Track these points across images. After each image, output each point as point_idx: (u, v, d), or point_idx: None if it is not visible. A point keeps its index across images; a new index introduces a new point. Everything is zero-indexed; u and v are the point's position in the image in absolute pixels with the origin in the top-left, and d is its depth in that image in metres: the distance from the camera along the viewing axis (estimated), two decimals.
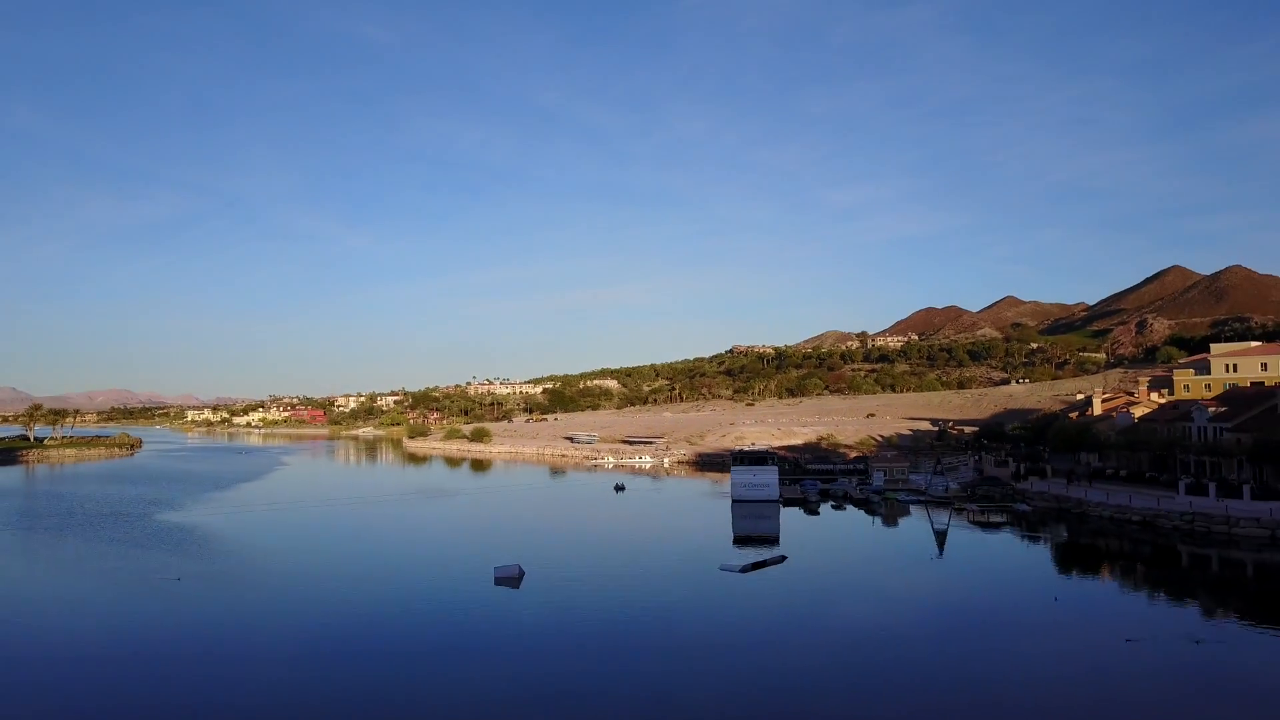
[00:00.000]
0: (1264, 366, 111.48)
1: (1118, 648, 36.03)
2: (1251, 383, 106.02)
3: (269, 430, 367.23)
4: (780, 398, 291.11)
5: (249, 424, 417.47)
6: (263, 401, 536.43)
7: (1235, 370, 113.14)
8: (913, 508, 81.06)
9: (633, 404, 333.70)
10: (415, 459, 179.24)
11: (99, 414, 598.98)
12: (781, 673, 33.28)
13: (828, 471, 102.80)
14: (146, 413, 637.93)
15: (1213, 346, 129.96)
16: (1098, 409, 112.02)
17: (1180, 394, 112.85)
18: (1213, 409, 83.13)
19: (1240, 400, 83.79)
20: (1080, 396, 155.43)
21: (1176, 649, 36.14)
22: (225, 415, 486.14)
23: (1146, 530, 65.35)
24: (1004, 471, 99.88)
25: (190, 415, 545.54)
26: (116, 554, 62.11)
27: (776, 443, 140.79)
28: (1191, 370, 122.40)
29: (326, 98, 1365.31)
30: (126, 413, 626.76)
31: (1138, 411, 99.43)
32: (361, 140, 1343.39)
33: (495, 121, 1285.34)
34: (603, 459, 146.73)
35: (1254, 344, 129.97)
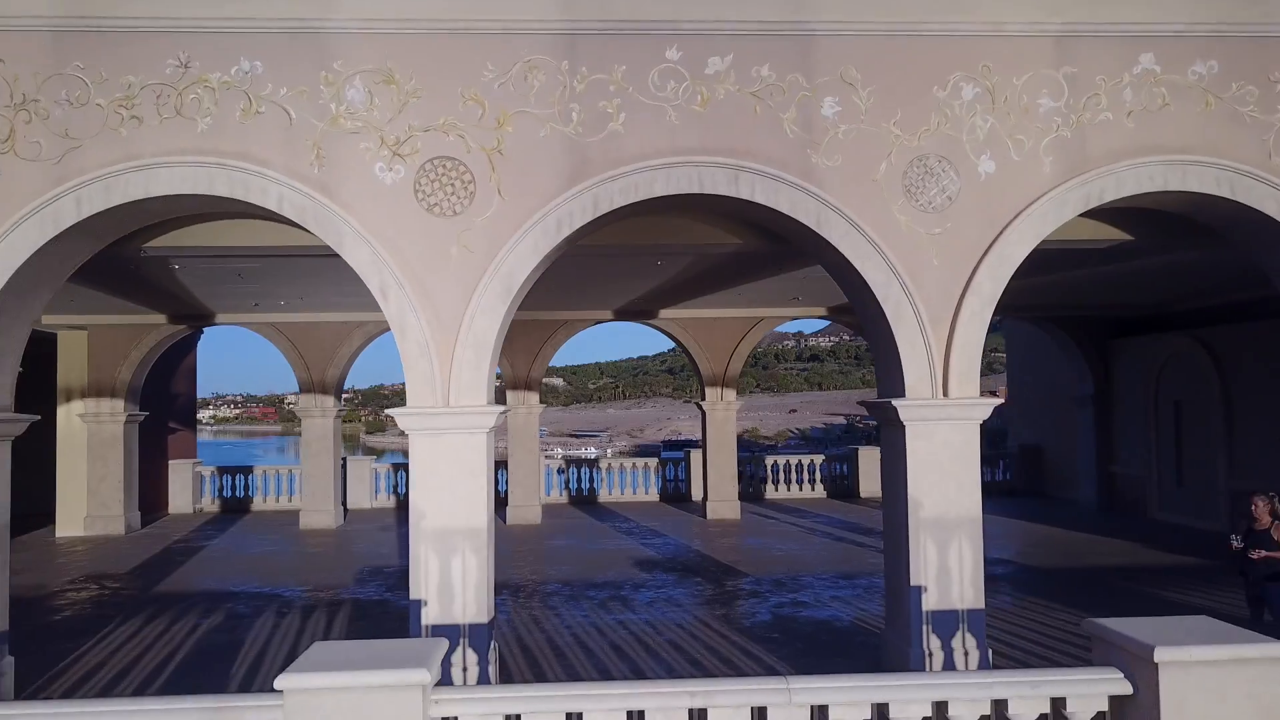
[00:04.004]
0: None
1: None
2: None
3: (220, 427, 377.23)
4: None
5: (200, 421, 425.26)
6: (208, 399, 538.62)
7: None
8: None
9: (579, 401, 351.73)
10: (374, 451, 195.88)
11: None
12: None
13: None
14: None
15: None
16: None
17: None
18: None
19: None
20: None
21: None
22: None
23: None
24: None
25: None
26: None
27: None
28: None
29: None
30: None
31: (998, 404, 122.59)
32: None
33: None
34: (552, 450, 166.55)
35: None
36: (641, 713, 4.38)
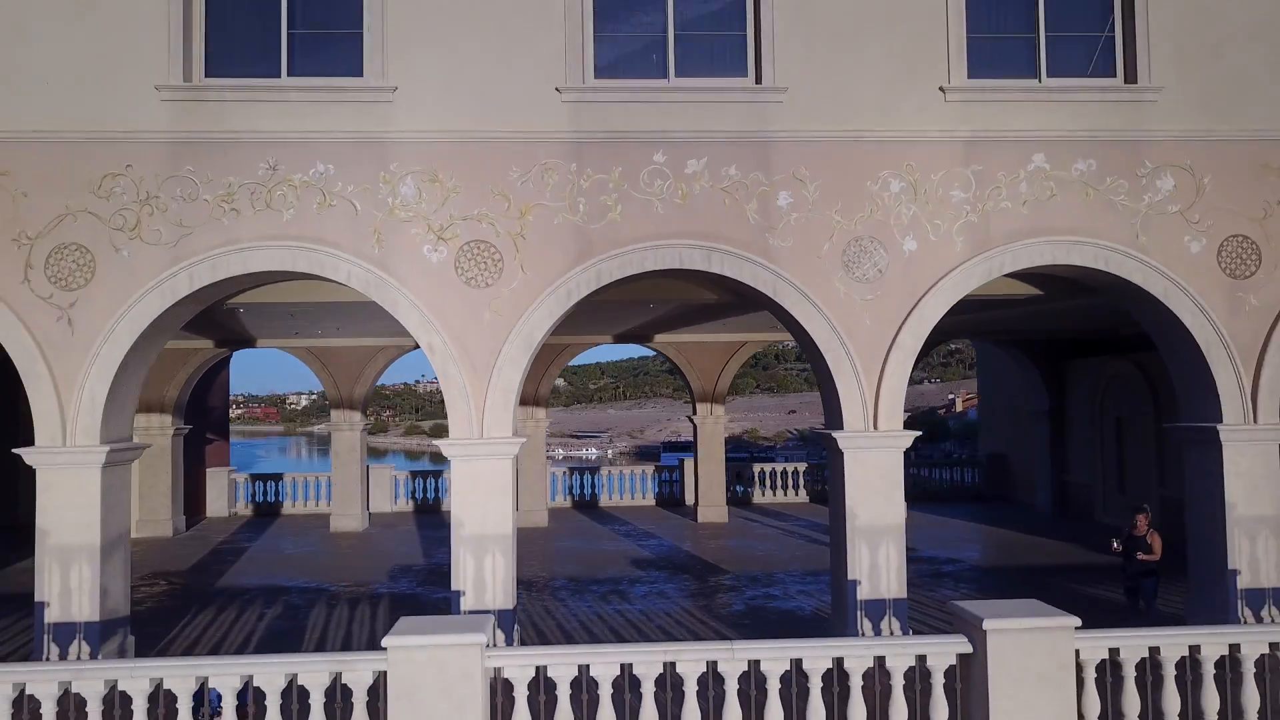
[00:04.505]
0: None
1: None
2: None
3: None
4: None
5: None
6: None
7: None
8: None
9: (579, 402, 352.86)
10: (375, 451, 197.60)
11: None
12: None
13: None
14: None
15: None
16: (959, 406, 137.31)
17: None
18: None
19: None
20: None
21: None
22: None
23: None
24: None
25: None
26: None
27: None
28: None
29: None
30: None
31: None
32: None
33: None
34: (553, 451, 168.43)
35: None
36: (630, 665, 6.32)
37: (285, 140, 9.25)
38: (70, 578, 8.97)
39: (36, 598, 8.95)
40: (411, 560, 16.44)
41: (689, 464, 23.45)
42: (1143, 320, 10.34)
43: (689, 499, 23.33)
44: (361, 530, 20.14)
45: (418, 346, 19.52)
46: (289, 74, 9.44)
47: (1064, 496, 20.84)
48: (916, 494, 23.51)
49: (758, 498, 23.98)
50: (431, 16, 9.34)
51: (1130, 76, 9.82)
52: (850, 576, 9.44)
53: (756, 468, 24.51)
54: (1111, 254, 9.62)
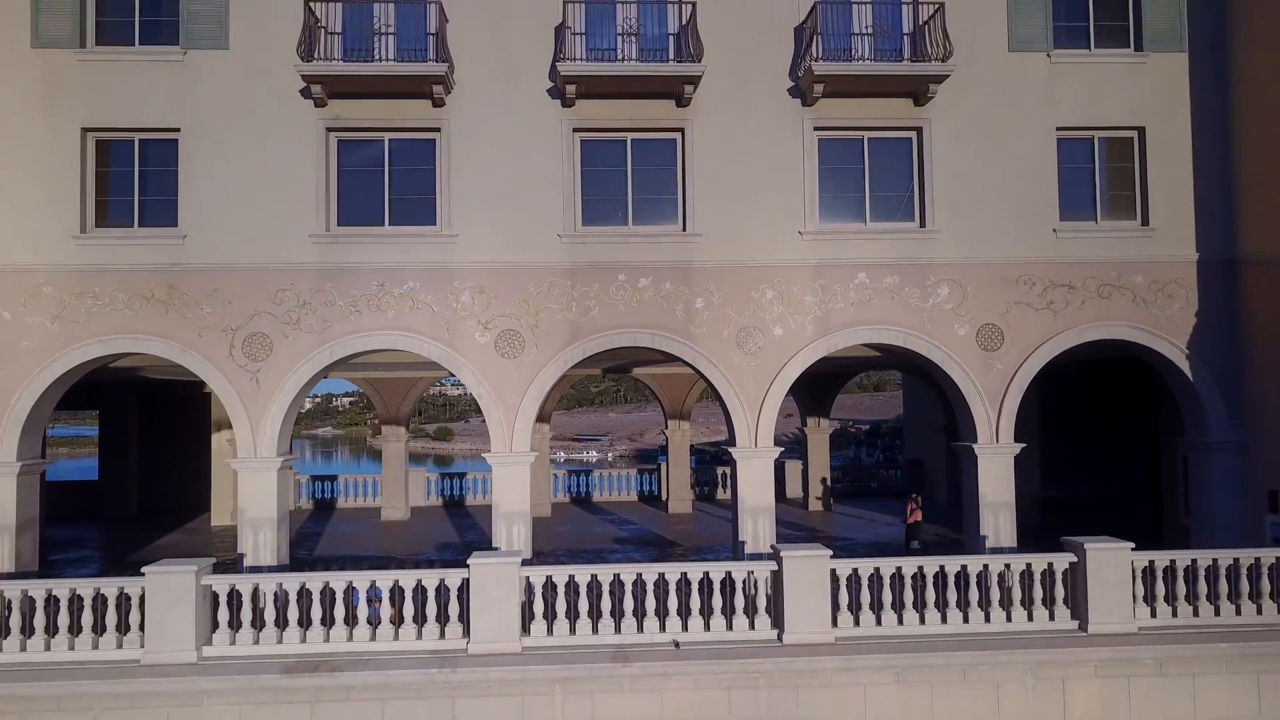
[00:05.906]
0: None
1: None
2: None
3: None
4: (715, 400, 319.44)
5: None
6: None
7: None
8: None
9: (580, 405, 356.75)
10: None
11: None
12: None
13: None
14: None
15: None
16: None
17: None
18: None
19: None
20: None
21: None
22: None
23: None
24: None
25: None
26: None
27: (702, 439, 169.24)
28: None
29: None
30: None
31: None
32: None
33: None
34: (556, 454, 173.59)
35: None
36: (597, 575, 11.95)
37: (388, 267, 14.89)
38: (259, 538, 14.62)
39: (238, 550, 14.62)
40: (450, 540, 22.07)
41: (663, 467, 29.09)
42: (933, 375, 15.99)
43: (665, 495, 28.96)
44: (406, 519, 25.79)
45: (447, 376, 25.17)
46: (390, 224, 15.09)
47: (956, 491, 26.43)
48: (853, 493, 29.22)
49: (720, 495, 29.61)
50: (481, 190, 14.99)
51: (922, 222, 15.45)
52: (740, 539, 15.06)
53: (719, 470, 30.14)
54: (908, 335, 15.25)
